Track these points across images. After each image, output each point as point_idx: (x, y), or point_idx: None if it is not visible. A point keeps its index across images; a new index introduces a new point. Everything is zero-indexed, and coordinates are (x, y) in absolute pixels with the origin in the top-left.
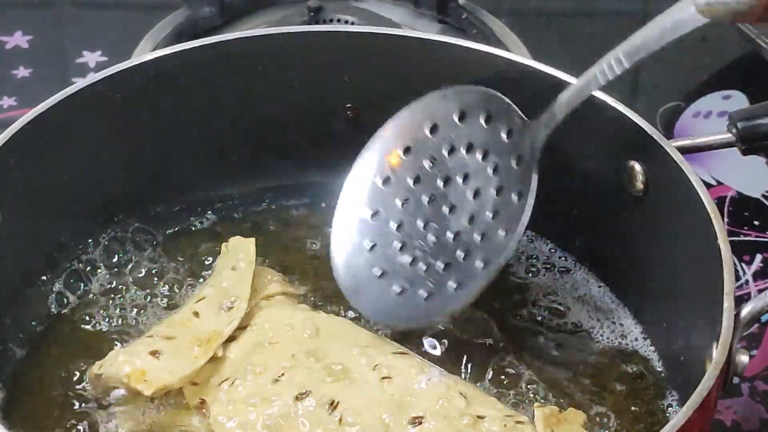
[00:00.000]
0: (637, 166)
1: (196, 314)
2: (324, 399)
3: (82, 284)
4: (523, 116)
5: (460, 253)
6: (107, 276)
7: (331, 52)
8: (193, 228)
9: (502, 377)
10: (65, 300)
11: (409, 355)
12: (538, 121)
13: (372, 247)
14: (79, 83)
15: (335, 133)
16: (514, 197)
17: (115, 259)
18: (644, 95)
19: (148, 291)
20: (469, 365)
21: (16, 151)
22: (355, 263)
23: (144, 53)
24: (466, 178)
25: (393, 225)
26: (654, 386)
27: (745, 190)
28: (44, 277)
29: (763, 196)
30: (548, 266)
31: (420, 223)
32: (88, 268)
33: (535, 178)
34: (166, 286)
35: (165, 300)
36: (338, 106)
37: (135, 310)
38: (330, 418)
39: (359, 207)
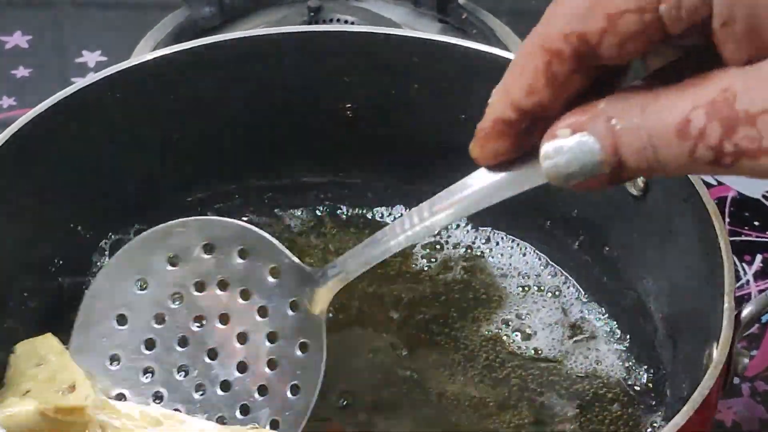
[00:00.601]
0: None
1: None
2: None
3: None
4: (294, 259)
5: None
6: None
7: (330, 52)
8: None
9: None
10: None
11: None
12: (322, 273)
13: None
14: (78, 83)
15: (334, 133)
16: (297, 350)
17: None
18: None
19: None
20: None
21: (14, 151)
22: None
23: (143, 53)
24: (225, 320)
25: (139, 373)
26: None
27: (746, 191)
28: (35, 285)
29: (764, 196)
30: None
31: (174, 372)
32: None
33: (323, 331)
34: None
35: None
36: (337, 107)
37: None
38: None
39: (98, 349)
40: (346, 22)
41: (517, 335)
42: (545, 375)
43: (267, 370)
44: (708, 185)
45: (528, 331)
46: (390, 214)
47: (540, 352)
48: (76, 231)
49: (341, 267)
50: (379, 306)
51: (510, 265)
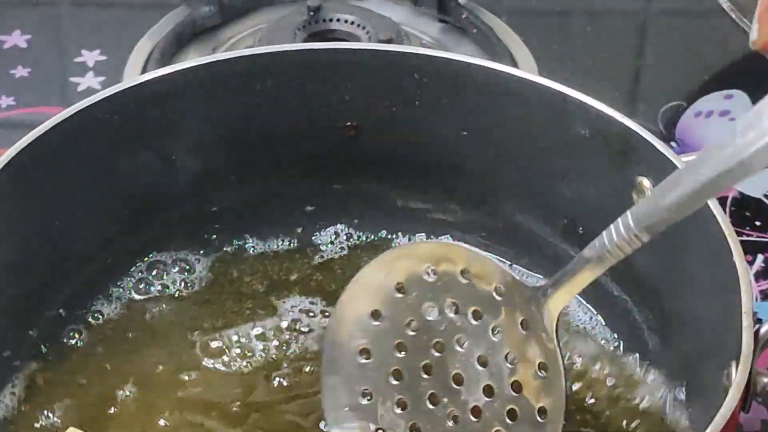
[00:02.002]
0: (646, 182)
1: None
2: None
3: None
4: (516, 277)
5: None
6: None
7: (331, 70)
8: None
9: None
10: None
11: None
12: (545, 289)
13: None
14: (74, 106)
15: (335, 152)
16: (537, 371)
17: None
18: (645, 95)
19: None
20: None
21: (11, 176)
22: None
23: (143, 52)
24: (462, 343)
25: (393, 406)
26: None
27: (747, 190)
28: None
29: (765, 195)
30: None
31: (426, 402)
32: (83, 305)
33: (558, 352)
34: None
35: None
36: (338, 125)
37: None
38: None
39: (348, 386)
40: (345, 21)
41: None
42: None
43: (513, 393)
44: None
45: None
46: (396, 234)
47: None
48: (72, 259)
49: (562, 281)
50: None
51: None
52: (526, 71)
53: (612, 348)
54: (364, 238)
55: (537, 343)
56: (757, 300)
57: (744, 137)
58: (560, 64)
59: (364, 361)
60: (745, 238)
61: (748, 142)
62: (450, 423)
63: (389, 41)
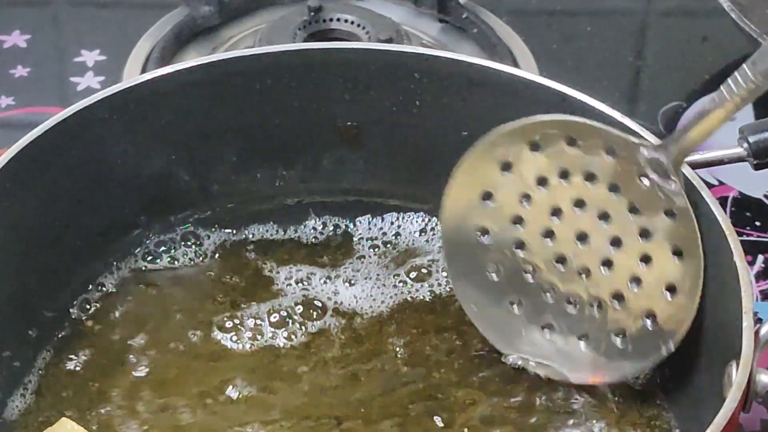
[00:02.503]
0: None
1: None
2: None
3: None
4: (627, 136)
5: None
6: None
7: (331, 70)
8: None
9: None
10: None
11: None
12: (665, 141)
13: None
14: (73, 106)
15: (335, 152)
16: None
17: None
18: (645, 95)
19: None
20: None
21: (11, 176)
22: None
23: (143, 52)
24: (580, 205)
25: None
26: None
27: (747, 190)
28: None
29: (765, 196)
30: None
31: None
32: (86, 304)
33: (697, 233)
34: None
35: None
36: (339, 125)
37: None
38: None
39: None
40: (346, 21)
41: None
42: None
43: (641, 240)
44: (709, 185)
45: None
46: (395, 230)
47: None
48: (74, 263)
49: (687, 129)
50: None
51: None
52: (526, 71)
53: None
54: (365, 238)
55: (661, 191)
56: (757, 300)
57: None
58: (560, 64)
59: (485, 240)
60: (745, 238)
61: None
62: (584, 276)
63: (389, 41)
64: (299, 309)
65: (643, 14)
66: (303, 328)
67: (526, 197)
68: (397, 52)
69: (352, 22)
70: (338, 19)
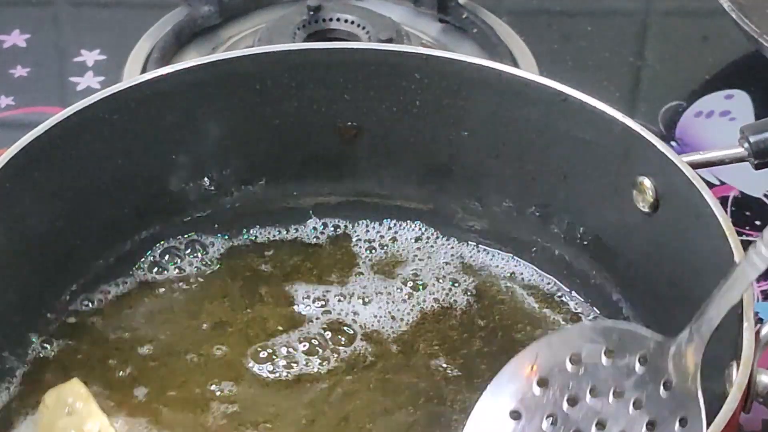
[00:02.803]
0: (647, 182)
1: None
2: None
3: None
4: (658, 337)
5: None
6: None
7: (331, 70)
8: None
9: None
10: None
11: None
12: (680, 339)
13: None
14: (73, 106)
15: (335, 152)
16: (676, 426)
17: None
18: (645, 95)
19: None
20: None
21: (11, 176)
22: None
23: (143, 52)
24: (602, 425)
25: None
26: None
27: (748, 190)
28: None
29: (765, 195)
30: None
31: None
32: (86, 305)
33: (700, 402)
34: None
35: None
36: (338, 125)
37: None
38: None
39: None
40: (345, 21)
41: None
42: None
43: None
44: (710, 185)
45: None
46: (396, 234)
47: None
48: (73, 262)
49: (698, 325)
50: None
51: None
52: (526, 71)
53: None
54: (365, 238)
55: (679, 397)
56: (757, 300)
57: None
58: (560, 64)
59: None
60: (745, 237)
61: None
62: None
63: (389, 41)
64: (293, 310)
65: (643, 14)
66: (289, 350)
67: (552, 417)
68: (397, 52)
69: (352, 22)
70: (338, 19)
